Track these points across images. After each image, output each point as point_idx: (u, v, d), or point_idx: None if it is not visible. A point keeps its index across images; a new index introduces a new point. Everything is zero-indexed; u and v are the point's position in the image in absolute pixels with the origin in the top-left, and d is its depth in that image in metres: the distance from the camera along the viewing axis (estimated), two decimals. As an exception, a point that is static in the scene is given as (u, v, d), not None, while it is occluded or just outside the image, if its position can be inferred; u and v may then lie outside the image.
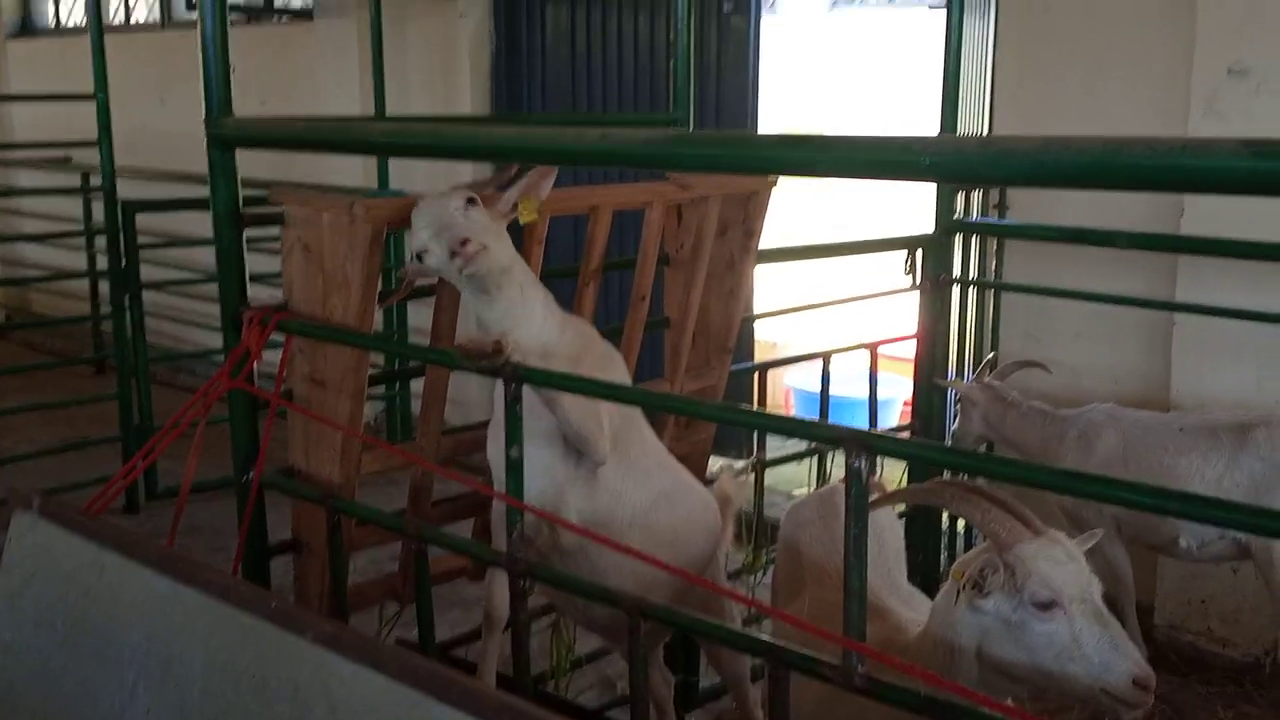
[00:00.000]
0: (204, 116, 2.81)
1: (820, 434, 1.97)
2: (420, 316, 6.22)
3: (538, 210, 2.73)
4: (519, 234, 2.78)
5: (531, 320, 2.67)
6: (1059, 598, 1.96)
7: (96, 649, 2.47)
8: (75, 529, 2.57)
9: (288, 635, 2.04)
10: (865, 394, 4.28)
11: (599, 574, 2.74)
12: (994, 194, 5.28)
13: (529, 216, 2.73)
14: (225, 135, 2.83)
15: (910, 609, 2.54)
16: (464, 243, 2.50)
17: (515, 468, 2.38)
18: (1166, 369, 4.71)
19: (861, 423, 4.59)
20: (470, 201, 2.60)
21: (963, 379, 4.84)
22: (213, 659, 2.20)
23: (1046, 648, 1.95)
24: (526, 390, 2.41)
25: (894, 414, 7.15)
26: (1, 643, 2.74)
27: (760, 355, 6.47)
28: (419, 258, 2.59)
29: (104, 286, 7.51)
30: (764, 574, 3.95)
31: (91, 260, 8.32)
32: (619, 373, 2.87)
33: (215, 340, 7.14)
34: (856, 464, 1.88)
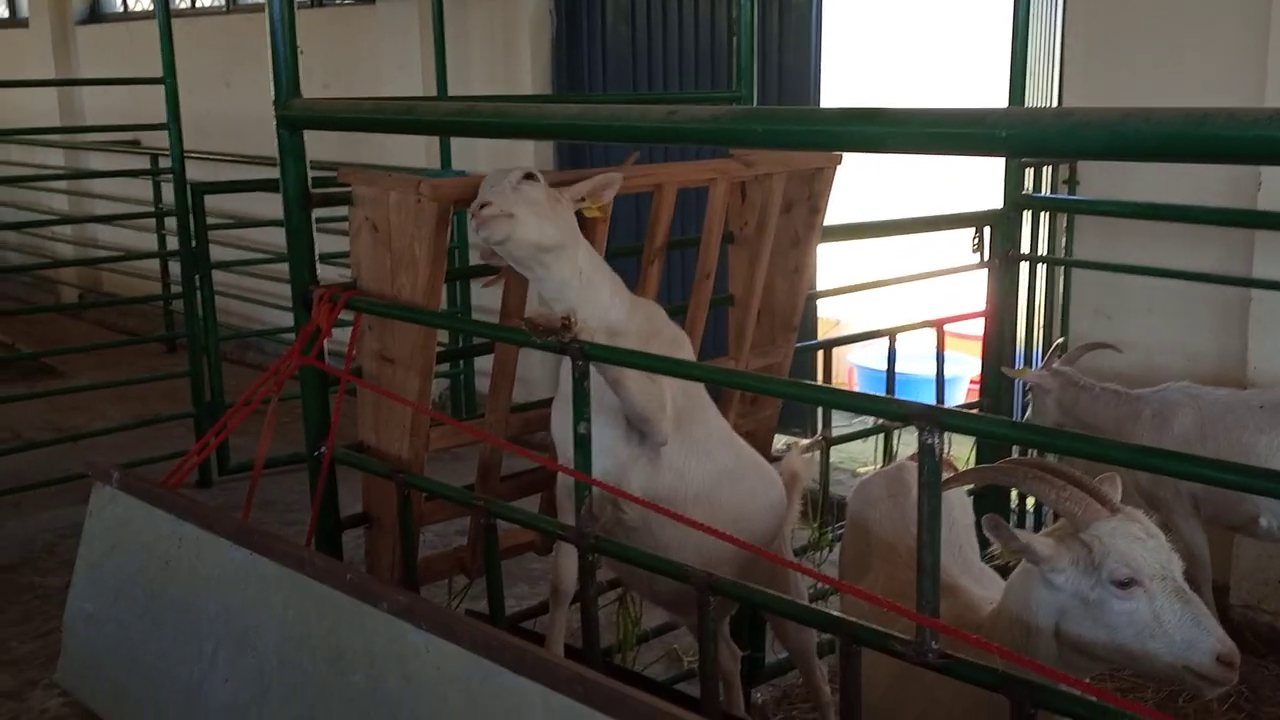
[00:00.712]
0: (272, 98, 2.85)
1: (892, 410, 1.96)
2: (483, 296, 6.26)
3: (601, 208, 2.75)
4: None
5: (596, 301, 2.68)
6: (1138, 575, 1.93)
7: (176, 620, 2.53)
8: (154, 502, 2.64)
9: (363, 606, 2.07)
10: (930, 372, 4.24)
11: (663, 550, 2.75)
12: (1063, 169, 5.20)
13: (593, 212, 2.75)
14: (294, 117, 2.86)
15: (982, 587, 2.52)
16: (483, 206, 2.50)
17: (583, 443, 2.39)
18: (1243, 346, 4.61)
19: (927, 401, 4.55)
20: (529, 176, 2.61)
21: (1031, 359, 4.78)
22: (289, 630, 2.25)
23: (1127, 626, 1.92)
24: (590, 370, 2.42)
25: (959, 393, 7.09)
26: (84, 613, 2.82)
27: (823, 333, 6.44)
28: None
29: (174, 267, 7.70)
30: (829, 552, 3.95)
31: (161, 241, 8.50)
32: (686, 353, 2.87)
33: (283, 319, 7.35)
34: (929, 440, 1.86)
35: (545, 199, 2.60)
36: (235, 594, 2.39)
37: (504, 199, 2.53)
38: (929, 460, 1.86)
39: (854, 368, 7.65)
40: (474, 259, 5.93)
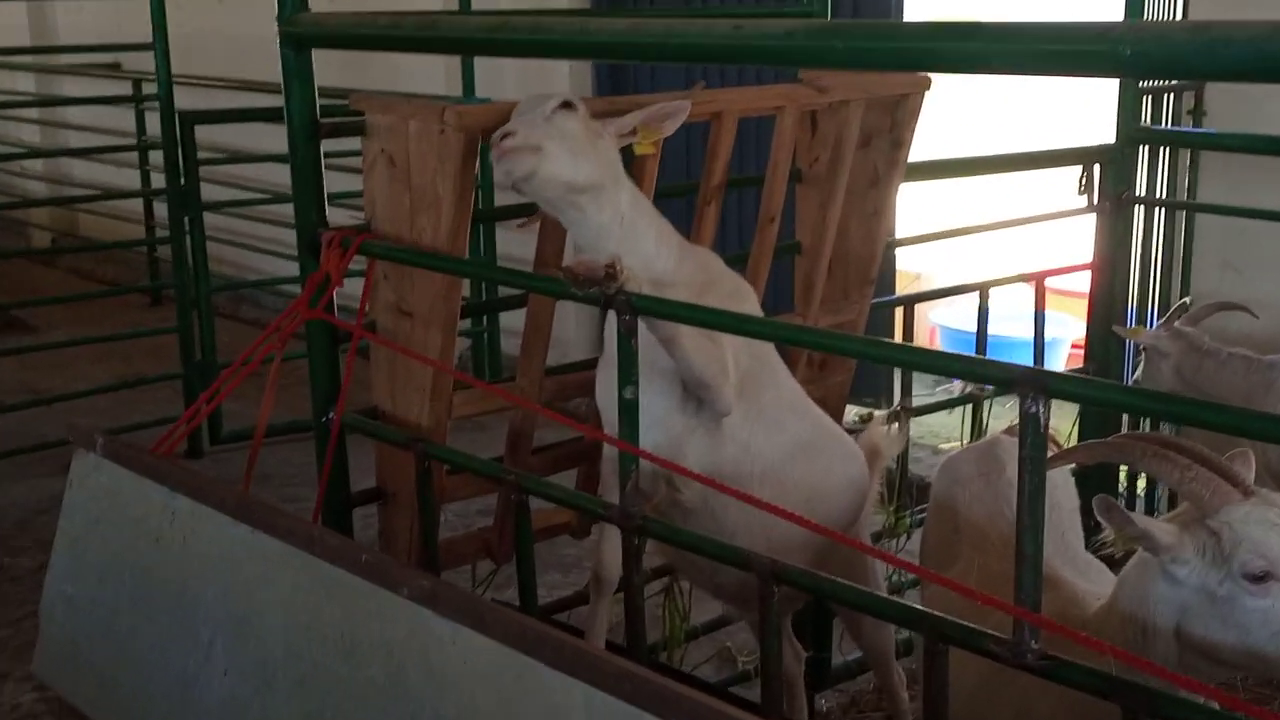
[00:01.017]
0: (275, 14, 2.85)
1: (990, 373, 1.95)
2: (514, 243, 6.27)
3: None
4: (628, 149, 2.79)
5: (639, 249, 2.67)
6: (1275, 568, 1.91)
7: (168, 604, 2.57)
8: (145, 471, 2.67)
9: (381, 591, 2.09)
10: (1024, 334, 4.21)
11: (725, 535, 2.76)
12: (1188, 97, 5.11)
13: (645, 149, 2.73)
14: (300, 34, 2.86)
15: (1087, 580, 2.51)
16: (505, 136, 2.50)
17: (630, 410, 2.40)
18: (1395, 306, 4.53)
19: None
20: (567, 105, 2.60)
21: (1146, 319, 4.72)
22: (296, 616, 2.28)
23: (1261, 626, 1.90)
24: (640, 328, 2.42)
25: (1060, 357, 7.03)
26: (63, 596, 2.86)
27: (902, 288, 6.40)
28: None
29: (160, 208, 7.75)
30: (906, 539, 3.94)
31: (145, 178, 8.56)
32: (751, 308, 2.86)
33: (284, 268, 7.39)
34: (1033, 408, 1.85)
35: (582, 131, 2.59)
36: (236, 575, 2.43)
37: (531, 129, 2.52)
38: (1033, 431, 1.84)
39: (936, 328, 7.60)
40: (502, 199, 5.94)
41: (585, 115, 2.63)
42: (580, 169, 2.57)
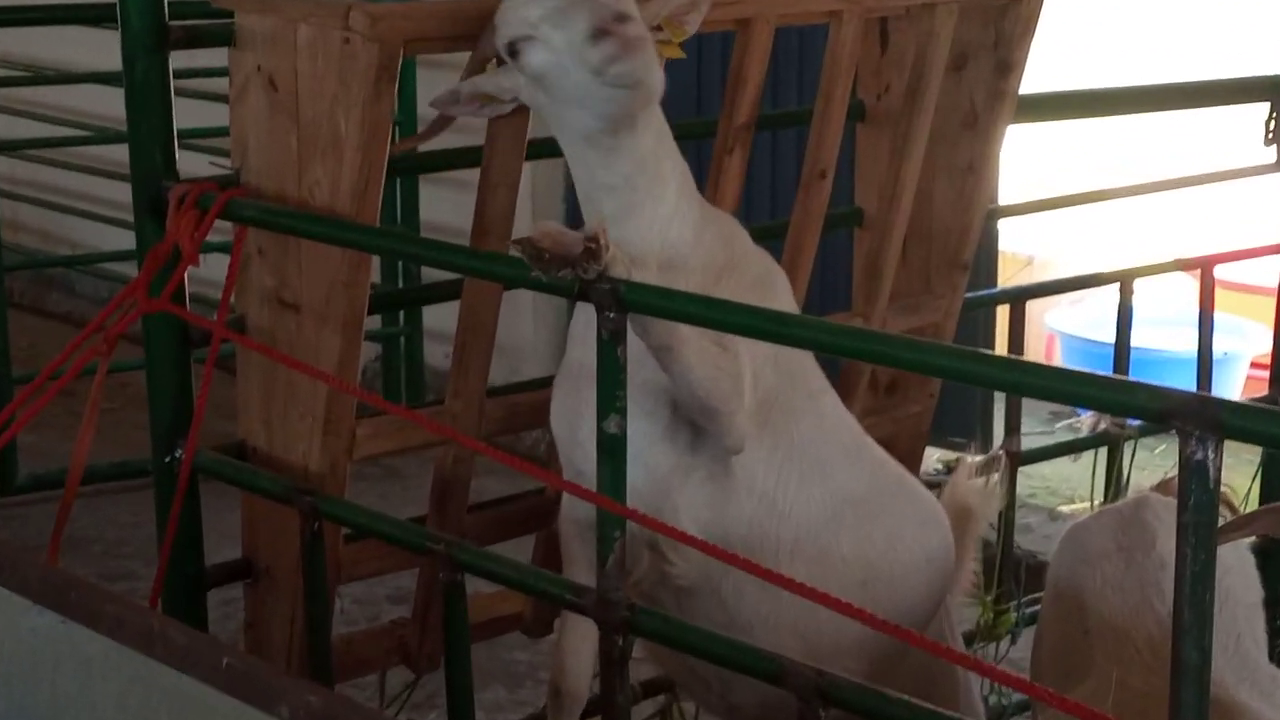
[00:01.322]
0: None
1: (1138, 402, 1.95)
2: (440, 206, 6.27)
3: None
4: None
5: (656, 208, 2.70)
6: None
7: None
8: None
9: (249, 711, 2.09)
10: (1186, 346, 4.23)
11: (739, 629, 2.76)
12: None
13: (673, 51, 2.75)
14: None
15: (1273, 707, 2.51)
16: (621, 19, 2.51)
17: (615, 450, 2.41)
18: None
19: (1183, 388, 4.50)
20: None
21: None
22: (125, 746, 2.28)
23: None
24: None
25: (1234, 380, 7.06)
26: None
27: (1007, 277, 6.43)
28: (510, 53, 2.62)
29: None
30: (1012, 643, 3.95)
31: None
32: (782, 302, 2.87)
33: (109, 238, 7.36)
34: (1199, 454, 1.86)
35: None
36: (36, 687, 2.42)
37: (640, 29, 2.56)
38: (1199, 488, 1.85)
39: (1056, 336, 7.63)
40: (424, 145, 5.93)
41: None
42: (659, 79, 2.64)
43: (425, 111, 5.87)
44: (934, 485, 3.40)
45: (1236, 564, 2.91)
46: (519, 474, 2.69)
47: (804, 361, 2.94)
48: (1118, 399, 2.06)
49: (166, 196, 2.90)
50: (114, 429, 4.82)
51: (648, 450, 2.74)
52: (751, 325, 2.41)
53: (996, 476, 3.64)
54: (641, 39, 2.53)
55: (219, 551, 3.17)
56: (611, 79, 2.54)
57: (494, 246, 2.95)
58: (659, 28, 2.73)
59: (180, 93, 3.10)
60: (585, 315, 2.66)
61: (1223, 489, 1.92)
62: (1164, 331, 6.16)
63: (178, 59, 3.01)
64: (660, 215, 2.71)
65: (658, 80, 2.61)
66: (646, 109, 2.65)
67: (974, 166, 3.62)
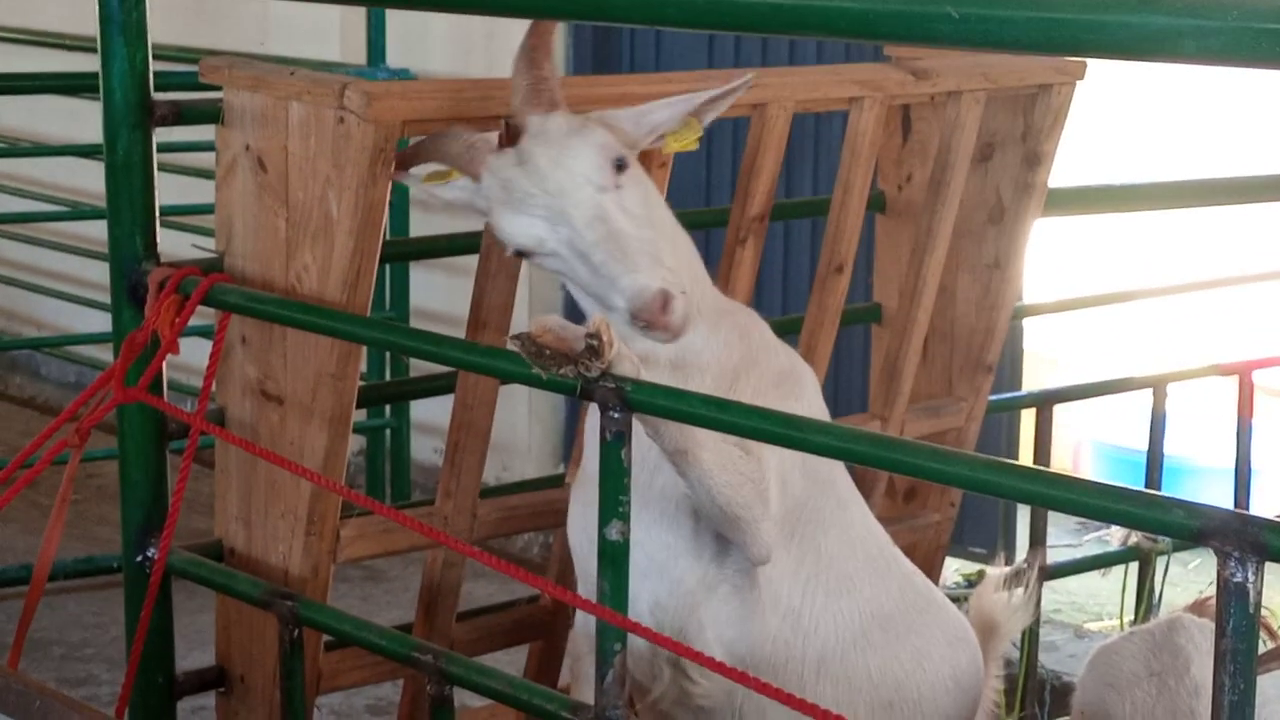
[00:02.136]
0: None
1: (1171, 519, 1.94)
2: (433, 293, 6.28)
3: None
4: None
5: None
6: None
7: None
8: None
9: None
10: (1224, 458, 4.22)
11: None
12: None
13: (683, 144, 2.76)
14: (129, -36, 2.90)
15: None
16: (665, 306, 2.47)
17: (619, 557, 2.40)
18: None
19: (1217, 503, 4.48)
20: (621, 167, 2.60)
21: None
22: None
23: None
24: (637, 429, 2.44)
25: (1274, 494, 7.04)
26: None
27: (1034, 379, 6.42)
28: (519, 254, 2.63)
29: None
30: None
31: None
32: (808, 402, 2.86)
33: (83, 320, 7.35)
34: (1238, 575, 1.86)
35: (646, 199, 2.65)
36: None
37: (660, 258, 2.55)
38: (1238, 611, 1.85)
39: (1087, 443, 7.62)
40: (421, 226, 5.91)
41: (605, 132, 2.64)
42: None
43: (418, 193, 5.91)
44: (954, 599, 3.38)
45: (1276, 695, 2.90)
46: (511, 579, 2.69)
47: (833, 467, 2.94)
48: (1151, 516, 2.04)
49: (146, 281, 2.92)
50: (78, 522, 4.80)
51: (672, 563, 2.75)
52: (762, 429, 2.40)
53: (1023, 590, 3.63)
54: (685, 320, 2.51)
55: (190, 656, 3.16)
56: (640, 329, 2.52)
57: (491, 339, 2.96)
58: (663, 135, 2.75)
59: (164, 167, 3.12)
60: (594, 416, 2.66)
61: (1263, 612, 1.91)
62: (1203, 440, 6.16)
63: (162, 135, 3.03)
64: None
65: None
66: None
67: (1000, 263, 3.64)
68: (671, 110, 2.74)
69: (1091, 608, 6.09)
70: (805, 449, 2.45)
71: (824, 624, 2.86)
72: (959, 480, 2.44)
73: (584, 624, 2.84)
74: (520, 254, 2.64)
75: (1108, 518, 2.27)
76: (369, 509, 2.98)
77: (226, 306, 2.91)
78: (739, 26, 2.28)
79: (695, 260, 2.80)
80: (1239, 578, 1.85)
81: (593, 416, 2.72)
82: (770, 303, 5.76)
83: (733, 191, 3.28)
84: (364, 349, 3.00)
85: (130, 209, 2.98)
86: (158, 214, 3.03)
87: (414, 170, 2.79)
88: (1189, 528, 1.92)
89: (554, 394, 2.42)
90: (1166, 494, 2.07)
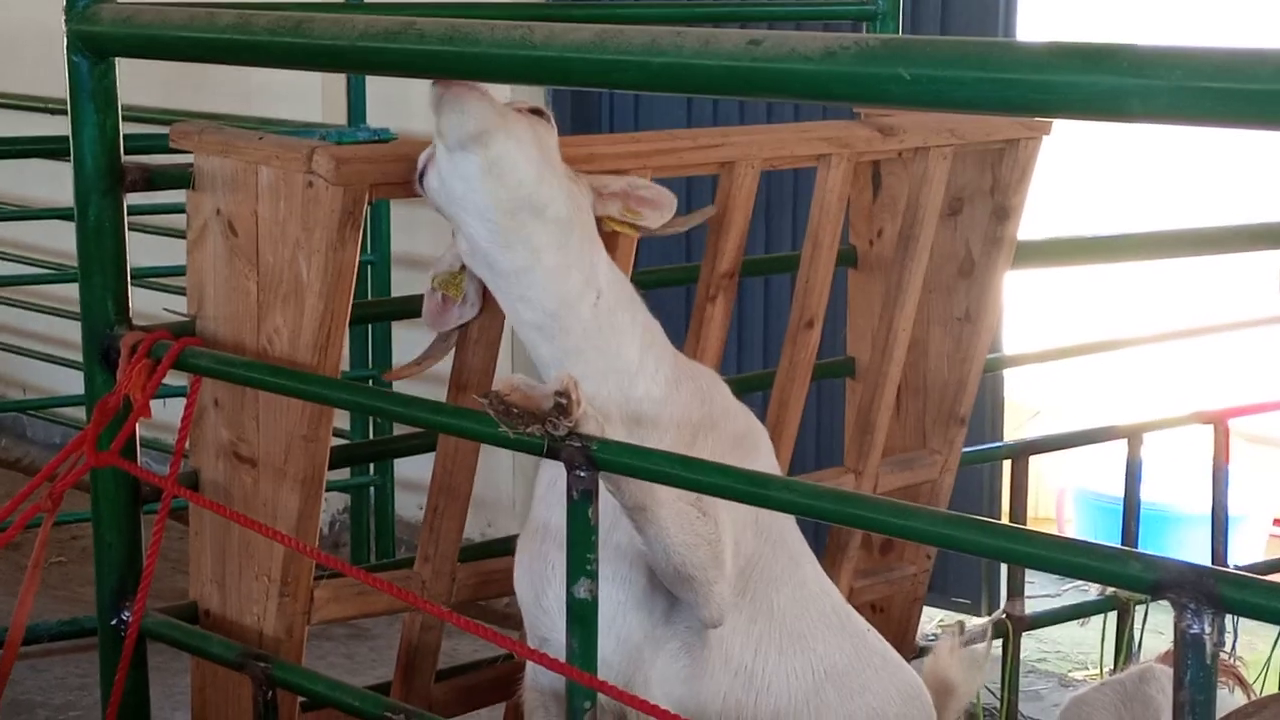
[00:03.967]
0: (65, 4, 2.91)
1: (1130, 572, 1.95)
2: (415, 350, 6.26)
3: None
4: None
5: (616, 356, 2.71)
6: None
7: None
8: None
9: None
10: (1204, 504, 4.23)
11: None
12: None
13: (622, 228, 2.82)
14: (99, 35, 2.93)
15: None
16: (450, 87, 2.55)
17: (587, 616, 2.40)
18: None
19: (1197, 553, 4.48)
20: (538, 112, 2.68)
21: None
22: None
23: None
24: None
25: (1253, 540, 7.04)
26: None
27: (1013, 430, 6.42)
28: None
29: None
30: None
31: None
32: (764, 463, 2.87)
33: (57, 382, 7.34)
34: (1194, 627, 1.86)
35: (556, 152, 2.69)
36: None
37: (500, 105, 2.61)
38: (1196, 664, 1.85)
39: (1066, 493, 7.62)
40: (401, 285, 5.92)
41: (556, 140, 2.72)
42: (548, 181, 2.63)
43: (398, 250, 5.90)
44: (925, 650, 3.38)
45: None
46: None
47: (785, 524, 2.93)
48: (1109, 569, 2.05)
49: (118, 345, 2.92)
50: (64, 584, 4.80)
51: (620, 619, 2.74)
52: (729, 486, 2.41)
53: (982, 646, 3.62)
54: (466, 86, 2.55)
55: (173, 717, 3.15)
56: (448, 137, 2.57)
57: (466, 402, 2.96)
58: (613, 196, 2.80)
59: (136, 229, 3.12)
60: (550, 473, 2.67)
61: (1234, 661, 1.92)
62: (1181, 488, 6.16)
63: (134, 199, 3.05)
64: (619, 366, 2.71)
65: (516, 159, 2.58)
66: (561, 234, 2.65)
67: (971, 316, 3.65)
68: (619, 181, 2.82)
69: (1076, 656, 6.08)
70: (769, 506, 2.46)
71: (776, 682, 2.85)
72: (923, 536, 2.45)
73: (533, 677, 2.86)
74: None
75: (1067, 571, 2.27)
76: (342, 571, 2.98)
77: (197, 370, 2.91)
78: (695, 89, 2.29)
79: (643, 312, 2.81)
80: (1195, 629, 1.86)
81: (545, 470, 2.74)
82: (751, 357, 5.77)
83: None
84: (334, 412, 2.99)
85: (102, 273, 3.00)
86: (129, 277, 3.04)
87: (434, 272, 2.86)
88: (1146, 580, 1.93)
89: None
90: (1125, 548, 2.08)
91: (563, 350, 2.67)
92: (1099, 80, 1.83)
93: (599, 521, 2.41)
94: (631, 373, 2.73)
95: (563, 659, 2.47)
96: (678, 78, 2.22)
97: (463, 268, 2.81)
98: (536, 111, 2.69)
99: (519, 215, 2.62)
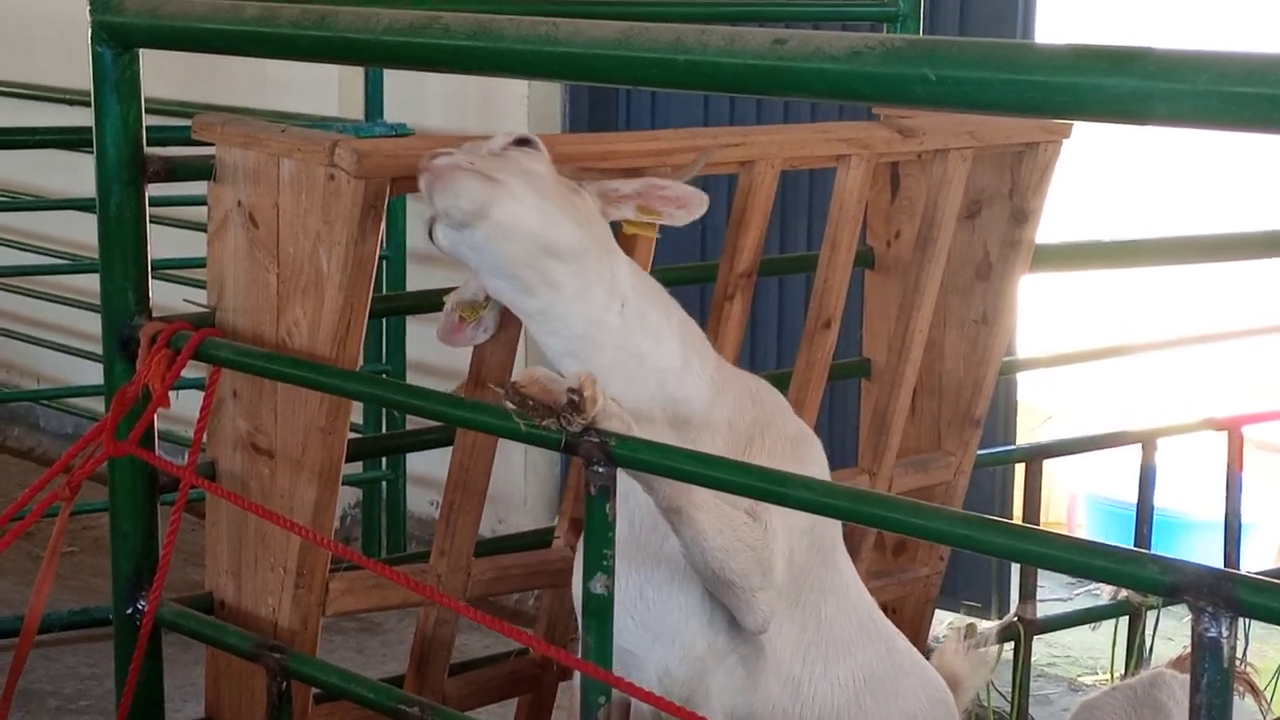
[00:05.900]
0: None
1: (1146, 575, 1.95)
2: (429, 346, 6.26)
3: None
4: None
5: (651, 361, 2.67)
6: None
7: None
8: None
9: None
10: (1216, 511, 4.22)
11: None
12: None
13: (640, 230, 2.80)
14: (124, 25, 2.93)
15: None
16: (438, 157, 2.51)
17: (602, 612, 2.41)
18: None
19: (1209, 560, 4.48)
20: (525, 142, 2.65)
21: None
22: None
23: None
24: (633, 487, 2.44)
25: (1267, 546, 7.03)
26: None
27: (1026, 433, 6.42)
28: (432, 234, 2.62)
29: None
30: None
31: None
32: (818, 463, 2.86)
33: (75, 372, 7.36)
34: (1211, 630, 1.86)
35: (552, 177, 2.65)
36: None
37: (479, 158, 2.57)
38: (1212, 668, 1.85)
39: (1078, 497, 7.61)
40: (417, 279, 5.91)
41: (549, 161, 2.68)
42: (553, 221, 2.57)
43: (415, 247, 5.90)
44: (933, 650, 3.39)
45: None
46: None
47: (835, 531, 2.91)
48: (1126, 571, 2.05)
49: (138, 335, 2.93)
50: (75, 574, 4.80)
51: (684, 625, 2.73)
52: (746, 484, 2.40)
53: (988, 645, 3.61)
54: (450, 166, 2.49)
55: (185, 708, 3.15)
56: (446, 218, 2.52)
57: (485, 396, 2.95)
58: (628, 199, 2.77)
59: (157, 221, 3.13)
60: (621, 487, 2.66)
61: (1246, 667, 1.92)
62: (1191, 495, 6.16)
63: (155, 190, 3.05)
64: (657, 366, 2.67)
65: (516, 219, 2.52)
66: (577, 262, 2.60)
67: (988, 318, 3.65)
68: (631, 185, 2.78)
69: (1086, 661, 6.08)
70: (787, 504, 2.45)
71: (821, 690, 2.85)
72: (936, 535, 2.45)
73: (577, 680, 2.84)
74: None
75: (1084, 573, 2.28)
76: (358, 563, 2.98)
77: (217, 361, 2.93)
78: (720, 87, 2.28)
79: (678, 311, 2.78)
80: (1213, 633, 1.86)
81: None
82: (765, 357, 5.77)
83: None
84: (353, 404, 2.99)
85: (123, 264, 3.00)
86: (150, 268, 3.05)
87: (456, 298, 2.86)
88: (1163, 583, 1.93)
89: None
90: (1141, 550, 2.08)
91: (599, 366, 2.58)
92: (1124, 83, 1.84)
93: (645, 523, 2.41)
94: (676, 370, 2.70)
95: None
96: (703, 76, 2.22)
97: (487, 298, 2.81)
98: (523, 141, 2.65)
99: (535, 261, 2.58)
